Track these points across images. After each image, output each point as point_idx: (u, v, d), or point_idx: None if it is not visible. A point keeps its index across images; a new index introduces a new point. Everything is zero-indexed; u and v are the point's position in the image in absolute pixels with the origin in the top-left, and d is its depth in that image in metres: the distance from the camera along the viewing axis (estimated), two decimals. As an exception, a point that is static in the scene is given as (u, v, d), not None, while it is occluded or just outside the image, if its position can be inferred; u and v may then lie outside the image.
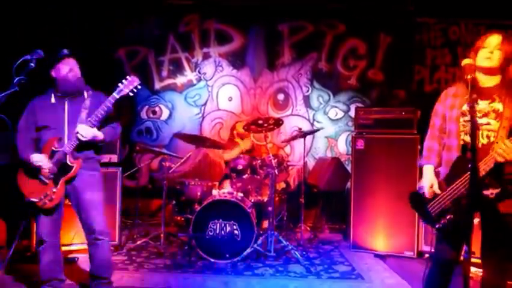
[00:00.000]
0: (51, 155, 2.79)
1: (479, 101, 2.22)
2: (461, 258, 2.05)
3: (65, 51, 2.93)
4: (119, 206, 4.17)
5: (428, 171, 2.40)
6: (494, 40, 2.19)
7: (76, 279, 3.34)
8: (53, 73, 2.90)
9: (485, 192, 2.05)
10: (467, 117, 2.21)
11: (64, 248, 3.86)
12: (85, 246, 3.93)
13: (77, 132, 2.74)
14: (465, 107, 2.24)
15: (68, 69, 2.88)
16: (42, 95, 2.97)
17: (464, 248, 1.97)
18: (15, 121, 2.92)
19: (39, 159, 2.77)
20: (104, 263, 2.97)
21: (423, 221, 2.41)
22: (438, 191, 2.27)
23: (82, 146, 2.84)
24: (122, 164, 4.38)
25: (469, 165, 1.97)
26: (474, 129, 1.95)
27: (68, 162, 2.78)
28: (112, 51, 6.04)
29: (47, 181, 2.78)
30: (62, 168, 2.79)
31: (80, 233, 3.71)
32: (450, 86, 2.49)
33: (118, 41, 6.08)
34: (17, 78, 2.35)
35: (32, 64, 2.34)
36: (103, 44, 5.83)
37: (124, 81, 2.89)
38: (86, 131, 2.76)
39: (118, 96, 2.83)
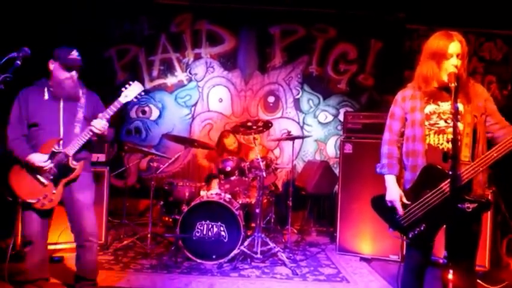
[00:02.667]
0: (52, 156, 2.71)
1: (441, 103, 2.22)
2: (440, 262, 2.08)
3: (73, 55, 2.75)
4: (106, 206, 4.15)
5: (393, 181, 2.34)
6: (457, 47, 2.17)
7: (61, 278, 3.31)
8: (50, 66, 2.78)
9: (461, 206, 2.06)
10: (432, 121, 2.22)
11: (49, 247, 3.85)
12: (71, 246, 3.91)
13: (91, 128, 2.68)
14: (428, 110, 2.24)
15: (68, 75, 2.77)
16: (34, 87, 2.82)
17: (444, 253, 2.00)
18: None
19: (40, 159, 2.68)
20: (91, 265, 2.93)
21: (391, 227, 2.36)
22: (407, 202, 2.25)
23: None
24: (110, 163, 4.36)
25: (443, 174, 2.01)
26: (455, 137, 1.97)
27: (70, 164, 2.73)
28: (102, 49, 6.01)
29: (46, 182, 2.71)
30: (62, 170, 2.73)
31: (66, 232, 3.70)
32: (403, 88, 2.44)
33: (108, 39, 6.06)
34: (2, 76, 2.31)
35: (18, 62, 2.30)
36: (94, 42, 5.80)
37: (127, 86, 2.83)
38: (101, 124, 2.70)
39: (123, 102, 2.80)
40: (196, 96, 6.17)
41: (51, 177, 2.72)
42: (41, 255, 2.87)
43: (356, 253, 4.32)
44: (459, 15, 5.49)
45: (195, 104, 6.18)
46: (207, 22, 6.11)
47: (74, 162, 2.75)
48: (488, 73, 6.16)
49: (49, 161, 2.70)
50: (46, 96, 2.78)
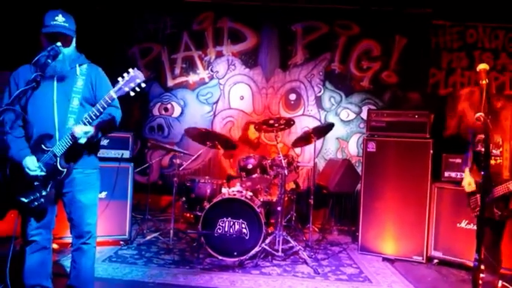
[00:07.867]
0: (41, 154, 2.38)
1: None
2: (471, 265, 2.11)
3: (56, 20, 2.36)
4: (130, 201, 4.22)
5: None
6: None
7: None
8: (41, 39, 2.40)
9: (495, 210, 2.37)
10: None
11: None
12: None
13: (73, 134, 2.31)
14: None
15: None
16: (27, 65, 2.45)
17: (475, 256, 1.96)
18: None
19: (29, 165, 2.35)
20: (88, 273, 2.60)
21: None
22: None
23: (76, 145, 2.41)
24: (133, 159, 4.43)
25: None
26: (487, 135, 1.93)
27: (58, 166, 2.38)
28: (125, 47, 6.11)
29: (36, 183, 2.40)
30: (52, 171, 2.39)
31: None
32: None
33: (131, 38, 6.15)
34: (34, 74, 2.35)
35: (49, 60, 2.34)
36: (117, 40, 5.89)
37: (125, 75, 2.31)
38: (79, 130, 2.30)
39: (115, 96, 2.32)
40: (218, 94, 6.20)
41: (41, 177, 2.40)
42: (42, 258, 2.54)
43: (378, 253, 4.27)
44: (487, 10, 5.34)
45: (216, 102, 6.21)
46: (229, 20, 6.13)
47: (63, 164, 2.39)
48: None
49: (37, 166, 2.37)
50: (38, 78, 2.35)
